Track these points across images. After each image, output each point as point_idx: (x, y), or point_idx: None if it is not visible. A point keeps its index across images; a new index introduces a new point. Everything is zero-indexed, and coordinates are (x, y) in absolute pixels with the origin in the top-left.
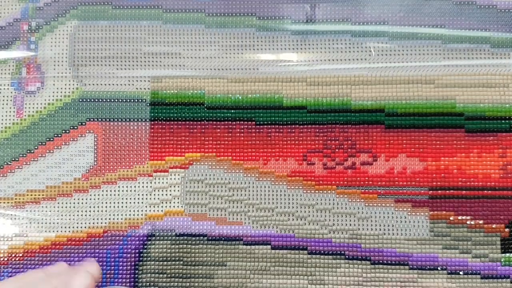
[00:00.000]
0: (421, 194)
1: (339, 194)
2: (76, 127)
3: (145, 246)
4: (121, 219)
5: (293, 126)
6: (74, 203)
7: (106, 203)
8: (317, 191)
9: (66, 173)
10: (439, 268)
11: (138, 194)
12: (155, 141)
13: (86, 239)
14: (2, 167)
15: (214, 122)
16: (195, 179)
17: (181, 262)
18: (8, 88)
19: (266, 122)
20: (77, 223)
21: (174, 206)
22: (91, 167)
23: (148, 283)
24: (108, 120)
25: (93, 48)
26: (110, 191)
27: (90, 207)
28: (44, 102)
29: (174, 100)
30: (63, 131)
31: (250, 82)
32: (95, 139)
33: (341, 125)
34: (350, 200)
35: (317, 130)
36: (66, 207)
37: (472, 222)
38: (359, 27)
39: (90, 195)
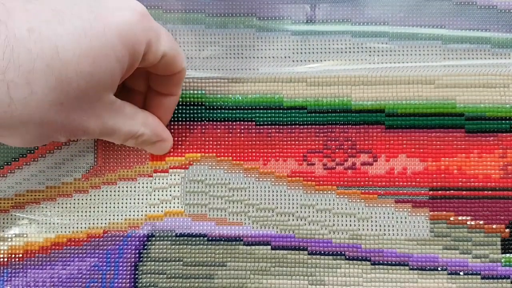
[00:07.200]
0: (421, 195)
1: (339, 194)
2: None
3: (145, 247)
4: (121, 219)
5: (293, 126)
6: (74, 203)
7: (106, 203)
8: (317, 192)
9: (66, 174)
10: (439, 269)
11: (138, 195)
12: None
13: (86, 240)
14: (2, 167)
15: (214, 122)
16: (195, 179)
17: (181, 263)
18: None
19: (266, 123)
20: (77, 223)
21: (174, 207)
22: (91, 167)
23: (148, 284)
24: None
25: None
26: (110, 191)
27: (90, 207)
28: None
29: None
30: None
31: (250, 82)
32: (95, 139)
33: (341, 125)
34: (350, 200)
35: (317, 130)
36: (66, 207)
37: (473, 223)
38: (359, 27)
39: (90, 195)
